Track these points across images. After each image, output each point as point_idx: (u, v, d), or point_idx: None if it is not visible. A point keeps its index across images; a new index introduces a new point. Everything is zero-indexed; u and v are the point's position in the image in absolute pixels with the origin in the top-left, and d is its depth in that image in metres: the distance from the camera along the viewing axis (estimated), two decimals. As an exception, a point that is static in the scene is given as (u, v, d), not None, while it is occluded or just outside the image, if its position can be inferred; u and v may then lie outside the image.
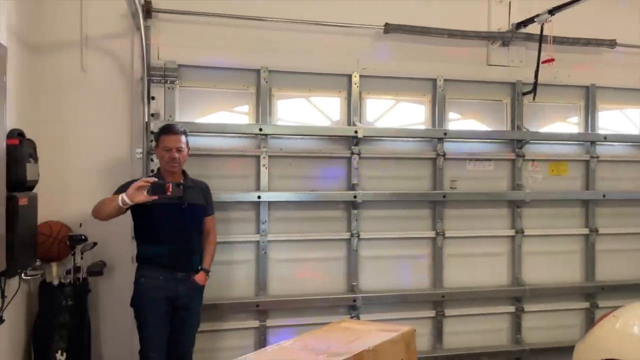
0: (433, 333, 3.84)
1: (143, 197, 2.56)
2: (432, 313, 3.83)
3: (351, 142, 3.68)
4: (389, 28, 3.65)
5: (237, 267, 3.54)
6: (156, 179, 2.69)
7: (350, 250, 3.69)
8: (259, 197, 3.48)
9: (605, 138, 4.11)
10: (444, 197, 3.79)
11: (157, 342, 2.79)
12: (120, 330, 3.29)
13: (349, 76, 3.70)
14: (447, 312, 3.84)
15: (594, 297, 4.08)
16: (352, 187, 3.67)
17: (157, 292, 2.80)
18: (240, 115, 3.63)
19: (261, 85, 3.54)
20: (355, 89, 3.69)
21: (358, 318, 3.63)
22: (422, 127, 3.92)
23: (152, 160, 3.25)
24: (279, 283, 3.60)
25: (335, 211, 3.72)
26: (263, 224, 3.52)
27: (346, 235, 3.70)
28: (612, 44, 4.07)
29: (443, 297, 3.80)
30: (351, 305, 3.64)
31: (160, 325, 2.79)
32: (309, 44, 3.63)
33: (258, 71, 3.55)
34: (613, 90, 4.20)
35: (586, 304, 4.09)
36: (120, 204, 2.58)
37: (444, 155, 3.82)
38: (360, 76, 3.71)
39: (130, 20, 3.31)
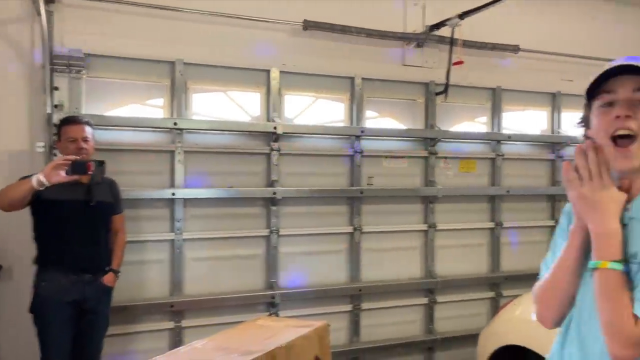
0: (350, 327, 3.92)
1: (61, 177, 2.39)
2: (349, 307, 3.90)
3: (271, 139, 3.65)
4: (307, 25, 3.66)
5: (150, 267, 3.40)
6: (76, 157, 2.51)
7: (270, 247, 3.67)
8: (173, 194, 3.36)
9: (510, 137, 4.38)
10: (361, 193, 3.87)
11: (60, 349, 2.62)
12: (20, 339, 3.05)
13: (268, 72, 3.67)
14: (364, 305, 3.93)
15: (499, 286, 4.35)
16: (271, 183, 3.65)
17: (60, 296, 2.62)
18: (154, 108, 3.48)
19: (176, 78, 3.42)
20: (274, 84, 3.67)
21: (277, 315, 3.62)
22: (341, 124, 3.97)
23: (54, 155, 3.03)
24: (196, 282, 3.50)
25: (254, 208, 3.68)
26: (178, 222, 3.41)
27: (265, 232, 3.67)
28: (515, 49, 4.34)
29: (360, 290, 3.88)
30: (270, 302, 3.62)
31: (64, 331, 2.63)
32: (227, 37, 3.55)
33: (173, 63, 3.42)
34: (517, 92, 4.47)
35: (492, 294, 4.34)
36: (35, 184, 2.38)
37: (362, 152, 3.90)
38: (280, 72, 3.69)
39: (30, 4, 3.07)
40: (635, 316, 1.22)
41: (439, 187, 4.11)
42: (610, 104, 1.30)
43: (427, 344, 4.09)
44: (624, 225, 1.31)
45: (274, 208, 3.66)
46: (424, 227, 4.15)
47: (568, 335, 1.45)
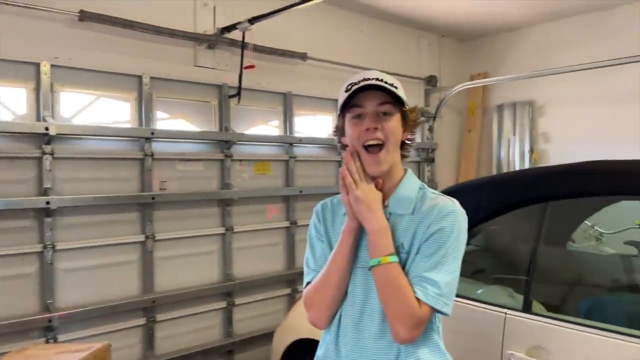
0: (144, 341, 3.68)
1: None
2: (142, 320, 3.66)
3: (42, 140, 3.22)
4: (84, 16, 3.32)
5: None
6: None
7: (44, 264, 3.23)
8: None
9: (301, 140, 4.61)
10: (153, 198, 3.66)
11: None
12: None
13: (37, 65, 3.23)
14: (159, 317, 3.73)
15: (295, 282, 4.54)
16: (44, 191, 3.22)
17: None
18: None
19: None
20: (45, 79, 3.24)
21: (56, 340, 3.21)
22: (128, 125, 3.71)
23: None
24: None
25: (23, 220, 3.20)
26: None
27: (38, 248, 3.22)
28: (303, 56, 4.58)
29: (154, 302, 3.67)
30: (46, 326, 3.19)
31: None
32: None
33: None
34: (306, 98, 4.73)
35: (288, 290, 4.51)
36: None
37: (152, 155, 3.69)
38: (52, 66, 3.28)
39: None
40: (418, 300, 1.40)
41: (235, 189, 4.12)
42: (359, 116, 1.50)
43: (227, 347, 4.06)
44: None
45: (48, 219, 3.23)
46: (221, 230, 4.11)
47: (341, 330, 1.57)
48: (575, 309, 2.14)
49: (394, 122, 1.49)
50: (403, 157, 1.57)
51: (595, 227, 3.30)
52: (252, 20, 3.84)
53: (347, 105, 1.51)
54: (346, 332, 1.54)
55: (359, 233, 1.50)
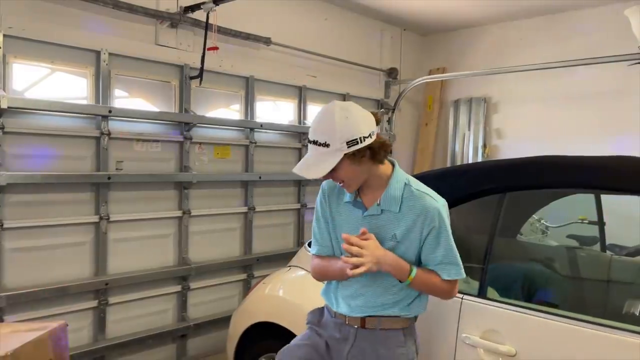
0: (95, 324, 3.59)
1: None
2: (94, 303, 3.56)
3: (-8, 114, 3.07)
4: (41, -16, 3.17)
5: None
6: None
7: (-9, 243, 3.10)
8: None
9: (262, 126, 4.58)
10: (109, 178, 3.56)
11: None
12: None
13: (-12, 34, 3.07)
14: (111, 299, 3.64)
15: (251, 268, 4.54)
16: (-8, 167, 3.07)
17: None
18: None
19: None
20: (-4, 50, 3.08)
21: (2, 321, 3.08)
22: (85, 102, 3.57)
23: None
24: None
25: (-32, 196, 3.05)
26: None
27: (-15, 225, 3.08)
28: (267, 41, 4.55)
29: (107, 284, 3.58)
30: (-9, 308, 3.07)
31: None
32: None
33: None
34: (268, 83, 4.70)
35: (244, 275, 4.50)
36: None
37: (109, 134, 3.58)
38: (5, 36, 3.11)
39: None
40: (447, 282, 1.84)
41: (193, 172, 4.05)
42: None
43: (180, 331, 4.02)
44: (379, 214, 1.85)
45: (-4, 196, 3.09)
46: (178, 213, 4.04)
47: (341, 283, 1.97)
48: (527, 296, 2.25)
49: (342, 172, 1.76)
50: (380, 161, 1.85)
51: (542, 221, 3.48)
52: (217, 1, 3.77)
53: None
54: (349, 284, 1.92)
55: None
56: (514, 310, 2.02)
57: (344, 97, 5.37)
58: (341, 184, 1.82)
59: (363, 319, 1.87)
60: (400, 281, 1.81)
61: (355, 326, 1.88)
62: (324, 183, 1.98)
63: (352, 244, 1.73)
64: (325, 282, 2.03)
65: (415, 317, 1.94)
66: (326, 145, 1.72)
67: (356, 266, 1.71)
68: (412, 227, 1.80)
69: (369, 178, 1.83)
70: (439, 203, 1.83)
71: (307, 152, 1.81)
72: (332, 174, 1.77)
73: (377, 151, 1.79)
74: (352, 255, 1.72)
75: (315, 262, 1.99)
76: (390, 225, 1.82)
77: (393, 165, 1.90)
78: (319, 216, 1.98)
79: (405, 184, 1.84)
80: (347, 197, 1.90)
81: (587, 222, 3.06)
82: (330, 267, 1.92)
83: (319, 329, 1.99)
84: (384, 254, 1.76)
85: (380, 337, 1.85)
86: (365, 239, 1.76)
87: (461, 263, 1.84)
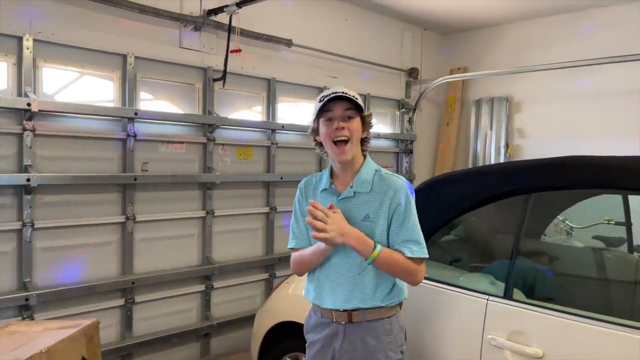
0: (122, 322, 3.66)
1: None
2: (121, 302, 3.64)
3: (23, 116, 3.15)
4: (70, -10, 3.25)
5: None
6: None
7: (24, 243, 3.18)
8: None
9: (283, 127, 4.62)
10: (135, 179, 3.63)
11: None
12: None
13: (19, 38, 3.15)
14: (138, 298, 3.72)
15: (273, 267, 4.58)
16: (24, 168, 3.15)
17: None
18: None
19: None
20: (27, 53, 3.16)
21: (32, 319, 3.17)
22: (112, 105, 3.65)
23: None
24: None
25: (2, 197, 3.14)
26: None
27: (17, 225, 3.17)
28: (289, 43, 4.58)
29: (133, 283, 3.65)
30: (23, 305, 3.15)
31: None
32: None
33: None
34: (290, 84, 4.74)
35: (266, 275, 4.55)
36: None
37: (135, 136, 3.65)
38: (34, 40, 3.20)
39: None
40: (411, 261, 1.91)
41: (217, 173, 4.11)
42: (330, 119, 1.97)
43: (204, 330, 4.08)
44: (352, 197, 2.00)
45: (27, 197, 3.18)
46: (202, 213, 4.10)
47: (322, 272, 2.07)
48: (553, 297, 2.24)
49: (356, 124, 1.97)
50: (363, 150, 2.06)
51: (567, 222, 3.44)
52: (240, 4, 3.82)
53: (321, 110, 1.97)
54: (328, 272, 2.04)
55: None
56: (540, 312, 2.01)
57: (365, 98, 5.38)
58: (345, 139, 1.95)
59: (350, 314, 1.97)
60: (365, 259, 1.90)
61: (343, 322, 1.98)
62: (301, 182, 2.20)
63: (318, 210, 1.86)
64: (307, 282, 2.14)
65: (400, 305, 2.05)
66: (355, 97, 1.96)
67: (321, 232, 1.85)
68: (381, 206, 1.95)
69: (352, 158, 2.00)
70: (404, 183, 2.01)
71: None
72: (350, 120, 1.95)
73: (367, 139, 2.06)
74: (318, 220, 1.85)
75: (293, 255, 2.13)
76: (362, 205, 1.98)
77: (365, 156, 2.08)
78: (297, 212, 2.16)
79: (376, 170, 2.03)
80: (323, 184, 2.07)
81: (613, 223, 3.01)
82: (304, 252, 2.06)
83: (315, 335, 2.08)
84: (350, 229, 1.90)
85: (367, 329, 1.96)
86: (333, 213, 1.90)
87: (425, 243, 1.95)
